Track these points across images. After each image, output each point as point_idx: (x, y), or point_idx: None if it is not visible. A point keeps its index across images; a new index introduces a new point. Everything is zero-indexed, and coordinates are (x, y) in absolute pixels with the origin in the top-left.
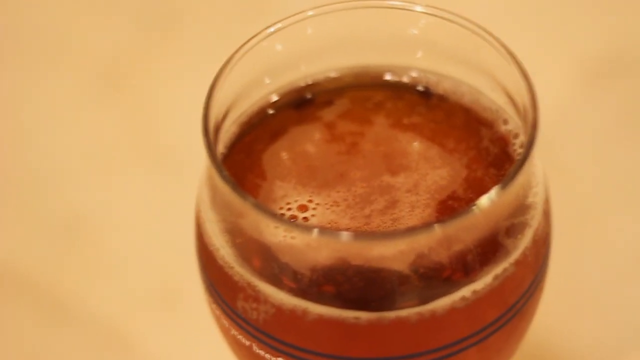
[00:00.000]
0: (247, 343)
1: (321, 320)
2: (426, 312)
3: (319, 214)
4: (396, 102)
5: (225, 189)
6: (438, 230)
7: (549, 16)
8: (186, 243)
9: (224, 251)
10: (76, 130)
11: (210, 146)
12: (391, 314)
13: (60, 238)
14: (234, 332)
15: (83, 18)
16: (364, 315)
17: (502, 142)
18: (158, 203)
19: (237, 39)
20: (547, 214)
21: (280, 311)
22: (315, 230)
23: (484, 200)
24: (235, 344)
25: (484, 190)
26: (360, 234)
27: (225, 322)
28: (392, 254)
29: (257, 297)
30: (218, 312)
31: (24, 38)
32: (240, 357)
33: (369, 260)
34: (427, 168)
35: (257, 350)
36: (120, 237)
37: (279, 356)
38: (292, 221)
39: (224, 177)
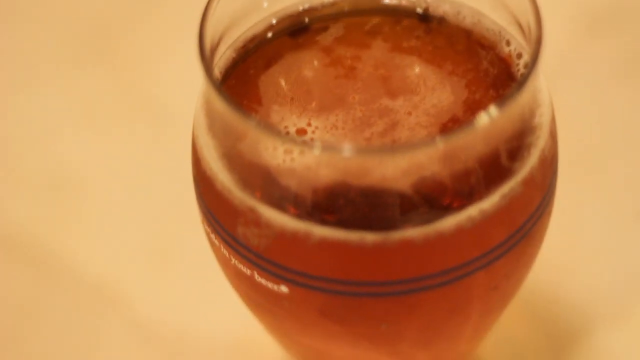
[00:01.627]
0: (248, 272)
1: (325, 243)
2: (432, 232)
3: (318, 137)
4: (394, 26)
5: (224, 109)
6: (440, 144)
7: None
8: (177, 196)
9: (223, 176)
10: (63, 89)
11: (207, 66)
12: (396, 234)
13: (50, 193)
14: (234, 261)
15: None
16: (368, 236)
17: (505, 64)
18: (147, 157)
19: None
20: (553, 135)
21: (282, 235)
22: (318, 145)
23: (485, 116)
24: (235, 275)
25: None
26: (363, 148)
27: (225, 252)
28: (395, 169)
29: (258, 222)
30: (217, 241)
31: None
32: (240, 291)
33: (372, 178)
34: (427, 90)
35: (259, 279)
36: (110, 192)
37: (280, 284)
38: (293, 137)
39: (222, 97)
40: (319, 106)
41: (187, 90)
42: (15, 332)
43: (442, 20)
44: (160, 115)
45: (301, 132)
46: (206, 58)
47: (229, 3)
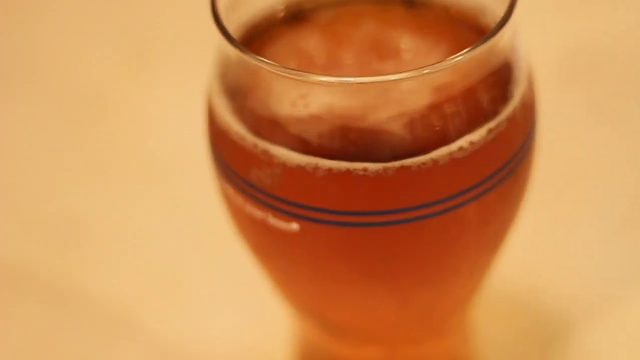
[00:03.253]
0: (261, 215)
1: (331, 175)
2: (428, 161)
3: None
4: (381, 8)
5: (237, 57)
6: (429, 76)
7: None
8: (176, 233)
9: (236, 127)
10: (70, 145)
11: (219, 20)
12: (395, 164)
13: (60, 237)
14: (248, 207)
15: (69, 51)
16: (371, 166)
17: (485, 31)
18: (144, 201)
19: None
20: (531, 86)
21: (292, 172)
22: (315, 77)
23: (470, 50)
24: (249, 224)
25: None
26: (361, 79)
27: (240, 199)
28: (391, 100)
29: (270, 162)
30: (231, 191)
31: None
32: (253, 240)
33: (371, 111)
34: (413, 55)
35: (271, 220)
36: (114, 232)
37: (292, 221)
38: (299, 73)
39: (236, 46)
40: (318, 69)
41: (179, 140)
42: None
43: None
44: (155, 164)
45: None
46: (218, 14)
47: None
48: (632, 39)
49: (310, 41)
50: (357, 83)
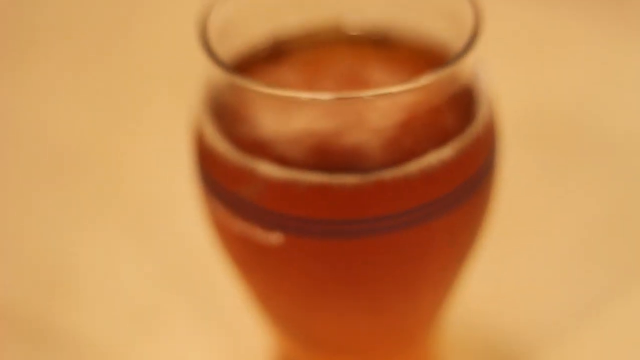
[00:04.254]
0: (246, 227)
1: (311, 187)
2: (400, 175)
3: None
4: (355, 49)
5: (223, 78)
6: (398, 94)
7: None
8: (159, 270)
9: (222, 145)
10: (58, 193)
11: (209, 46)
12: (371, 176)
13: (46, 280)
14: (234, 221)
15: (51, 105)
16: (348, 178)
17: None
18: (128, 248)
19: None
20: (492, 108)
21: (275, 185)
22: (300, 94)
23: (435, 72)
24: (233, 238)
25: None
26: (339, 94)
27: (226, 214)
28: (365, 119)
29: (254, 177)
30: (218, 207)
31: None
32: (236, 254)
33: (348, 124)
34: (384, 84)
35: (256, 232)
36: (101, 273)
37: (275, 232)
38: (282, 91)
39: (223, 68)
40: None
41: (160, 184)
42: None
43: (394, 43)
44: (134, 208)
45: None
46: (210, 44)
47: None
48: (587, 99)
49: (289, 75)
50: (335, 99)
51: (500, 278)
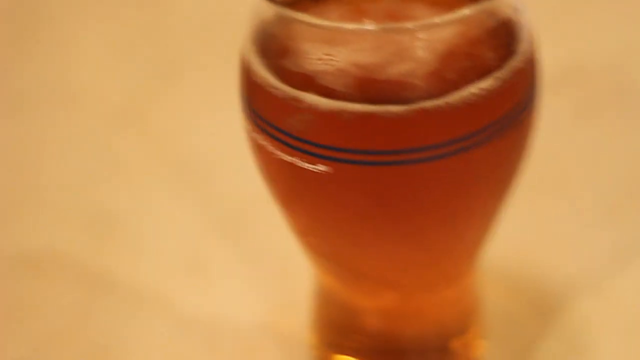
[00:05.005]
0: (292, 159)
1: (356, 117)
2: (443, 104)
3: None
4: None
5: (272, 12)
6: (440, 27)
7: None
8: (199, 217)
9: (270, 79)
10: (103, 147)
11: None
12: (414, 106)
13: (96, 226)
14: (280, 153)
15: (104, 66)
16: (392, 109)
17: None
18: (172, 199)
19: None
20: (533, 44)
21: (321, 116)
22: (345, 25)
23: (475, 5)
24: (279, 169)
25: None
26: (384, 25)
27: (272, 147)
28: (408, 52)
29: (300, 108)
30: (263, 140)
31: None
32: (282, 185)
33: (392, 56)
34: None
35: (301, 163)
36: (141, 222)
37: (320, 163)
38: (329, 24)
39: (273, 2)
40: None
41: (204, 144)
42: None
43: None
44: (179, 163)
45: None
46: None
47: None
48: (608, 57)
49: (334, 11)
50: (380, 29)
51: (536, 224)
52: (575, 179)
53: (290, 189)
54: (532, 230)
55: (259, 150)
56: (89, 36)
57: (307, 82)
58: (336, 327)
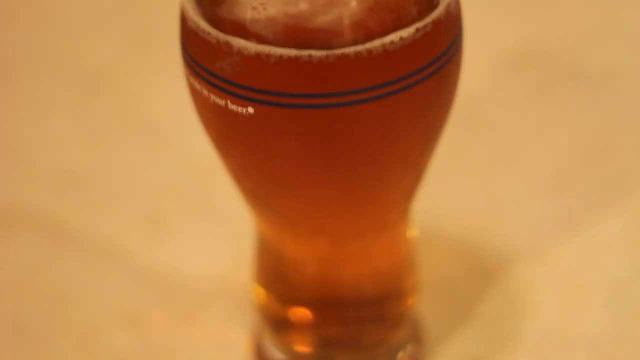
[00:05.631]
0: (223, 102)
1: (281, 61)
2: (363, 50)
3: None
4: None
5: None
6: None
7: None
8: (163, 175)
9: (203, 25)
10: (76, 113)
11: None
12: (336, 52)
13: (63, 183)
14: (212, 97)
15: (80, 35)
16: (315, 53)
17: None
18: (138, 156)
19: None
20: (456, 4)
21: (249, 59)
22: None
23: None
24: (212, 112)
25: None
26: None
27: (205, 90)
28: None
29: (230, 52)
30: (198, 84)
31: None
32: (214, 127)
33: (317, 6)
34: None
35: (231, 107)
36: (110, 180)
37: (248, 105)
38: None
39: None
40: None
41: (169, 110)
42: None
43: None
44: (147, 127)
45: None
46: None
47: None
48: (568, 40)
49: None
50: None
51: (484, 192)
52: (526, 152)
53: (223, 132)
54: (480, 198)
55: (195, 94)
56: (70, 6)
57: (238, 28)
58: (275, 276)
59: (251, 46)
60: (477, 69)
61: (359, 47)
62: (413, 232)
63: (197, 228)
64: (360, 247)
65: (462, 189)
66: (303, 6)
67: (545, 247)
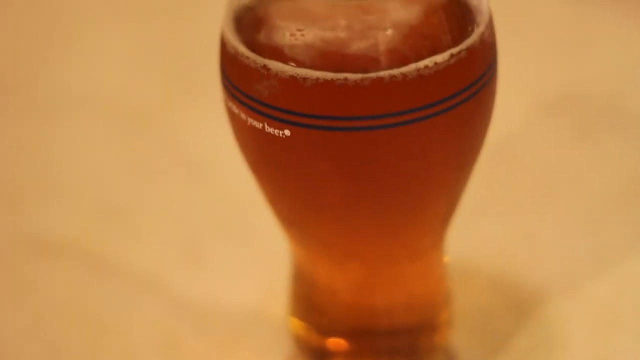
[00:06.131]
0: (260, 125)
1: (317, 84)
2: (398, 74)
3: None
4: None
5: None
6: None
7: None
8: (202, 207)
9: (242, 49)
10: (119, 148)
11: None
12: (372, 75)
13: (106, 216)
14: (250, 120)
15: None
16: (350, 76)
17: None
18: (179, 197)
19: None
20: (492, 29)
21: (285, 82)
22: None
23: None
24: (249, 135)
25: None
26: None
27: (243, 114)
28: (368, 23)
29: (267, 75)
30: (236, 108)
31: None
32: (252, 149)
33: (353, 31)
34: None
35: (268, 129)
36: (152, 218)
37: (285, 128)
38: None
39: None
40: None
41: (210, 147)
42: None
43: None
44: (185, 163)
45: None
46: None
47: None
48: (606, 84)
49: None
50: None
51: (520, 228)
52: (563, 191)
53: (260, 155)
54: (516, 235)
55: (233, 118)
56: (112, 45)
57: (276, 53)
58: (309, 305)
59: (288, 69)
60: (515, 110)
61: (394, 71)
62: (448, 262)
63: (234, 260)
64: (394, 274)
65: (499, 226)
66: (339, 33)
67: (579, 283)
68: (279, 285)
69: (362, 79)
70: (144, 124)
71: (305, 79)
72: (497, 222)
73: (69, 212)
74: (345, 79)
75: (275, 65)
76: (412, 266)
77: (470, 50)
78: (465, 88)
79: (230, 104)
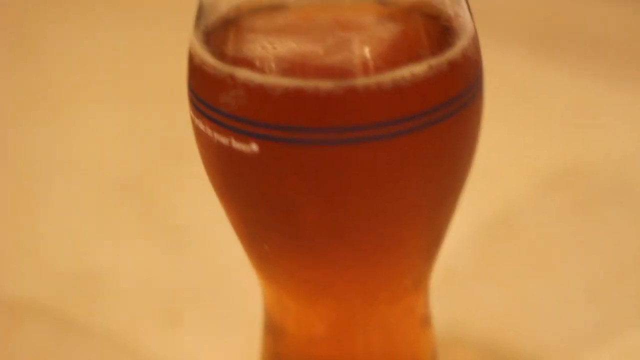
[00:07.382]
0: (226, 141)
1: (287, 93)
2: (373, 83)
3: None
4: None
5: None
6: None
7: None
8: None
9: (209, 60)
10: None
11: None
12: (344, 83)
13: (79, 281)
14: (216, 136)
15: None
16: (322, 84)
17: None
18: (157, 264)
19: None
20: (476, 45)
21: (253, 91)
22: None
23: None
24: (215, 152)
25: None
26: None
27: (209, 129)
28: (345, 28)
29: (234, 84)
30: (202, 124)
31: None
32: (217, 169)
33: (327, 36)
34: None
35: (235, 144)
36: (127, 283)
37: (252, 142)
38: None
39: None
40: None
41: (193, 217)
42: None
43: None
44: (166, 230)
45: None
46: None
47: None
48: (609, 157)
49: (282, 20)
50: (317, 5)
51: (521, 299)
52: (564, 264)
53: (226, 177)
54: (514, 304)
55: (200, 136)
56: (98, 114)
57: (245, 63)
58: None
59: (256, 77)
60: (518, 183)
61: (369, 80)
62: (432, 317)
63: (210, 327)
64: (371, 320)
65: (498, 294)
66: (313, 46)
67: (579, 353)
68: (254, 351)
69: (334, 88)
70: (124, 191)
71: (274, 87)
72: (496, 289)
73: (41, 276)
74: (317, 87)
75: (242, 73)
76: (391, 309)
77: (451, 63)
78: (445, 103)
79: (196, 121)
